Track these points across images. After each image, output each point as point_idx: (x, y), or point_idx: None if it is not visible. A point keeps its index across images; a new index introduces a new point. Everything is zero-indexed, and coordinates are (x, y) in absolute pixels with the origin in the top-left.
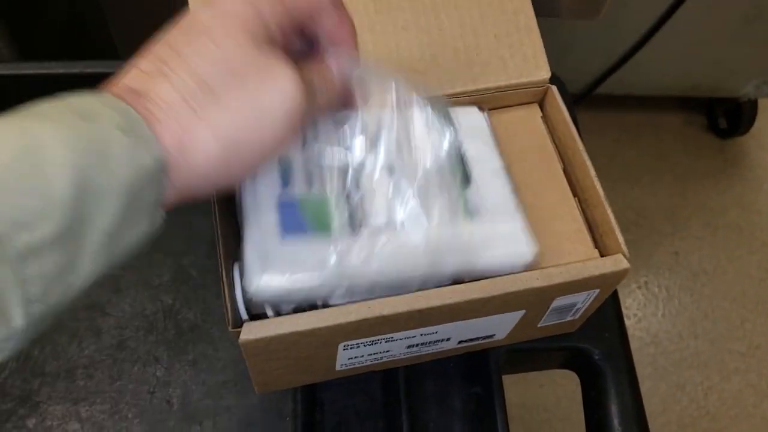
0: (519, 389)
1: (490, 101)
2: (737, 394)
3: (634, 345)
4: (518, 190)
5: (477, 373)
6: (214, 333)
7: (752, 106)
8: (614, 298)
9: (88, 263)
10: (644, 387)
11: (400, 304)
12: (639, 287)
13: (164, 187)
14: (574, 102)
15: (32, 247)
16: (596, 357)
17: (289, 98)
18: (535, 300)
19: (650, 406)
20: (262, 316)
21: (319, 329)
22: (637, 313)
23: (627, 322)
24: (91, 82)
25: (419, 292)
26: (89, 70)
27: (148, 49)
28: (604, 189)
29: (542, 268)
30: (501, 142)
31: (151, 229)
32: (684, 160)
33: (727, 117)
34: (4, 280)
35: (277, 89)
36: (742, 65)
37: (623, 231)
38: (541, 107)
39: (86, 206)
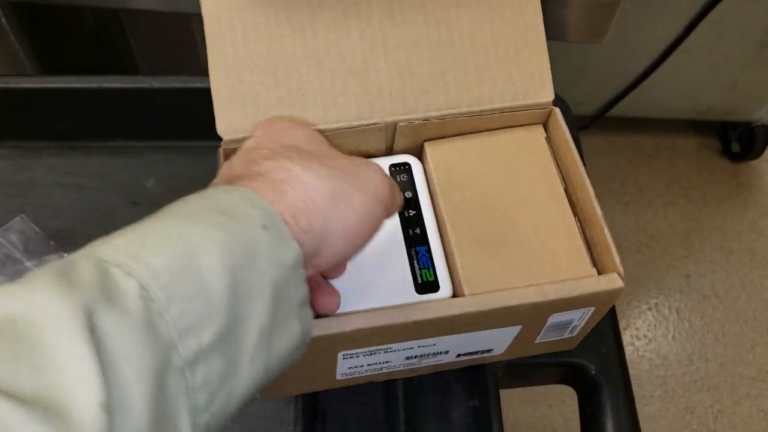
0: (528, 409)
1: (495, 121)
2: (747, 419)
3: (643, 366)
4: (521, 207)
5: (475, 386)
6: None
7: (765, 131)
8: (612, 314)
9: (248, 365)
10: (653, 409)
11: (396, 315)
12: (649, 308)
13: (304, 283)
14: (588, 124)
15: (199, 352)
16: (593, 372)
17: (381, 184)
18: (531, 315)
19: (659, 428)
20: None
21: (318, 337)
22: (647, 335)
23: (637, 343)
24: (117, 96)
25: (417, 305)
26: (110, 85)
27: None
28: (617, 211)
29: (538, 284)
30: (505, 161)
31: (302, 330)
32: (698, 184)
33: (740, 141)
34: (176, 390)
35: (371, 172)
36: (755, 90)
37: (635, 252)
38: (545, 128)
39: (240, 306)
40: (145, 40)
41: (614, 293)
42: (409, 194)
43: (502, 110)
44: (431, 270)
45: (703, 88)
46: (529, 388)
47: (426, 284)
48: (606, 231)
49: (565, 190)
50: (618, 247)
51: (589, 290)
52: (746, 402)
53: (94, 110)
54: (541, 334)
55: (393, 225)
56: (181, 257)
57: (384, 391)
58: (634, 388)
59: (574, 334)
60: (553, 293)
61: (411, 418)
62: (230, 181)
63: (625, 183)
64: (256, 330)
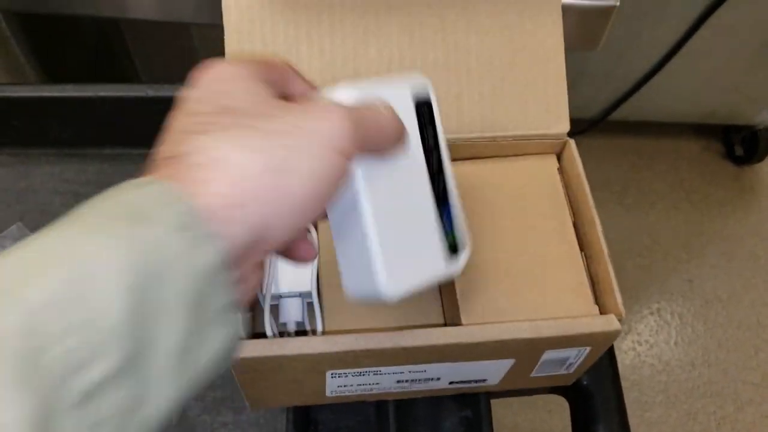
0: (528, 415)
1: (508, 148)
2: (750, 426)
3: (645, 372)
4: (528, 237)
5: (467, 396)
6: None
7: None
8: None
9: (162, 389)
10: (655, 415)
11: (386, 340)
12: (651, 313)
13: (232, 286)
14: (589, 127)
15: (94, 387)
16: (584, 382)
17: (337, 129)
18: (525, 350)
19: None
20: (262, 336)
21: (305, 355)
22: (649, 340)
23: (638, 349)
24: (114, 105)
25: (407, 331)
26: (107, 94)
27: (174, 123)
28: (619, 214)
29: (534, 320)
30: (515, 188)
31: (230, 336)
32: (700, 187)
33: (743, 145)
34: (75, 429)
35: (321, 121)
36: (758, 93)
37: (637, 256)
38: (558, 159)
39: (145, 329)
40: (145, 49)
41: (611, 335)
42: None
43: (515, 137)
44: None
45: (705, 92)
46: None
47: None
48: (610, 270)
49: (574, 223)
50: (620, 250)
51: (585, 330)
52: (749, 408)
53: (92, 118)
54: (536, 368)
55: (418, 174)
56: (69, 283)
57: (377, 401)
58: (636, 394)
59: (571, 371)
60: (547, 330)
61: (403, 427)
62: (156, 166)
63: (627, 186)
64: (169, 350)
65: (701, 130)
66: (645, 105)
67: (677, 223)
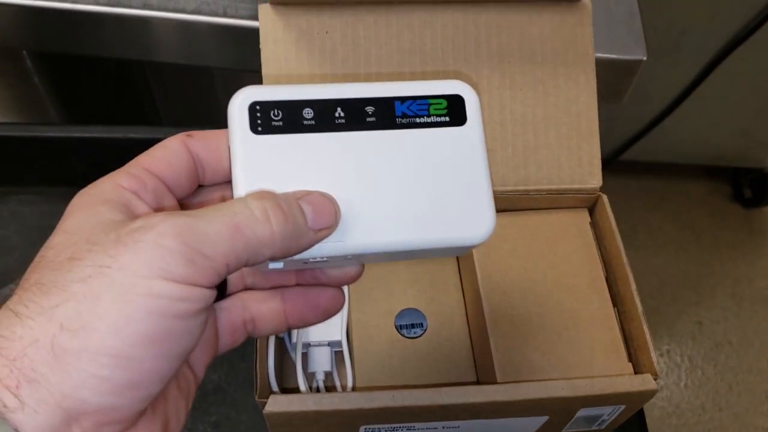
0: None
1: (540, 202)
2: None
3: (655, 414)
4: (561, 293)
5: None
6: (237, 396)
7: None
8: None
9: None
10: None
11: (423, 397)
12: (661, 355)
13: None
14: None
15: None
16: None
17: (155, 258)
18: (559, 408)
19: None
20: (293, 390)
21: (342, 411)
22: (659, 382)
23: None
24: (141, 146)
25: (444, 388)
26: (135, 136)
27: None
28: (628, 255)
29: (569, 378)
30: (547, 242)
31: None
32: (709, 229)
33: (751, 187)
34: None
35: (132, 242)
36: (767, 137)
37: (646, 297)
38: (590, 213)
39: None
40: (167, 91)
41: (647, 394)
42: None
43: (548, 191)
44: None
45: (715, 135)
46: None
47: None
48: (645, 328)
49: (606, 279)
50: None
51: (621, 389)
52: None
53: (118, 159)
54: (569, 425)
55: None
56: None
57: None
58: None
59: (602, 427)
60: (583, 389)
61: None
62: None
63: (636, 227)
64: None
65: (710, 171)
66: (655, 146)
67: (686, 264)
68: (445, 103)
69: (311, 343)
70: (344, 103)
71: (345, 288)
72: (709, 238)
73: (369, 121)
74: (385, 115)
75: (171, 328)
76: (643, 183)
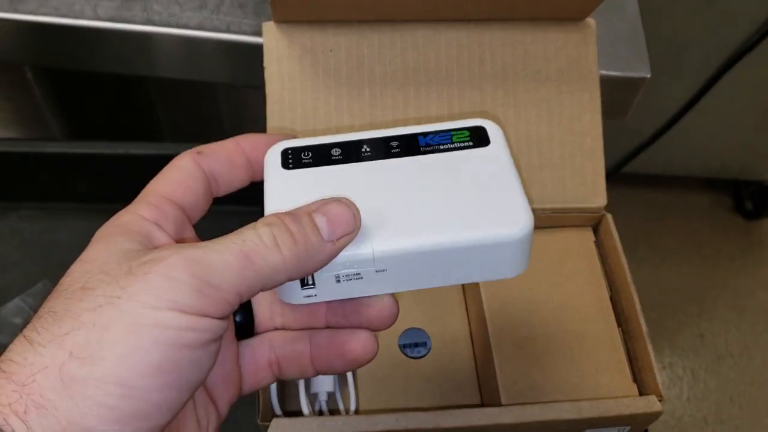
0: None
1: (544, 220)
2: None
3: (657, 428)
4: (565, 313)
5: None
6: (239, 418)
7: None
8: None
9: None
10: None
11: (426, 420)
12: (663, 368)
13: None
14: None
15: None
16: None
17: (164, 290)
18: (565, 430)
19: None
20: (295, 413)
21: None
22: (664, 405)
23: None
24: (144, 162)
25: (447, 411)
26: (138, 152)
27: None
28: (630, 267)
29: (574, 400)
30: (551, 261)
31: None
32: (711, 241)
33: (752, 199)
34: None
35: (143, 274)
36: None
37: (648, 310)
38: (595, 231)
39: None
40: (170, 106)
41: (652, 416)
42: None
43: (552, 210)
44: None
45: (716, 147)
46: None
47: None
48: (650, 349)
49: (611, 298)
50: None
51: (626, 411)
52: None
53: (120, 175)
54: None
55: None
56: None
57: None
58: None
59: None
60: (588, 411)
61: None
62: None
63: (638, 239)
64: None
65: (711, 184)
66: (657, 159)
67: (688, 277)
68: (467, 132)
69: None
70: (369, 141)
71: None
72: (710, 250)
73: (394, 152)
74: (409, 146)
75: (179, 358)
76: (645, 195)
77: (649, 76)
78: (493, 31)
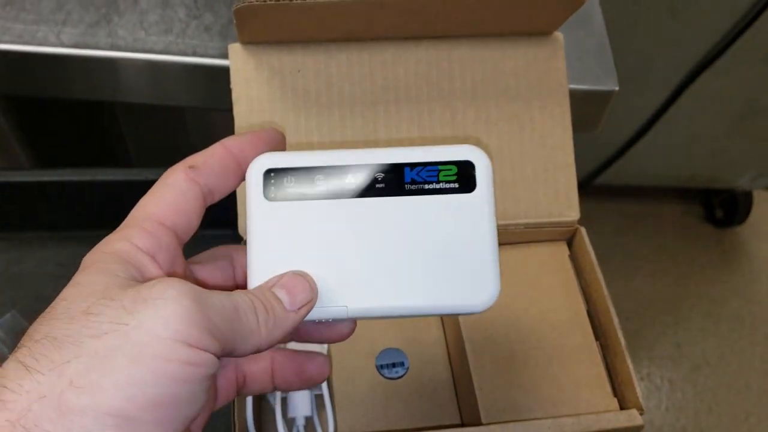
0: None
1: (518, 236)
2: None
3: None
4: (542, 328)
5: None
6: None
7: (747, 197)
8: None
9: None
10: None
11: None
12: (642, 379)
13: None
14: None
15: None
16: None
17: (173, 319)
18: None
19: None
20: None
21: None
22: (644, 417)
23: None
24: (112, 189)
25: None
26: (101, 178)
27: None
28: (605, 278)
29: (556, 416)
30: (527, 277)
31: None
32: (683, 250)
33: (723, 207)
34: None
35: (151, 301)
36: (736, 158)
37: (624, 321)
38: (569, 245)
39: None
40: (138, 131)
41: (634, 430)
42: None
43: (526, 225)
44: None
45: (686, 157)
46: None
47: None
48: (629, 361)
49: (588, 311)
50: None
51: (607, 426)
52: None
53: (88, 202)
54: None
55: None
56: None
57: None
58: None
59: None
60: (570, 427)
61: None
62: None
63: (611, 251)
64: None
65: (682, 193)
66: (627, 170)
67: (662, 286)
68: (455, 169)
69: None
70: (355, 169)
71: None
72: (683, 259)
73: (378, 188)
74: (394, 182)
75: (178, 393)
76: (617, 206)
77: (617, 89)
78: (462, 47)
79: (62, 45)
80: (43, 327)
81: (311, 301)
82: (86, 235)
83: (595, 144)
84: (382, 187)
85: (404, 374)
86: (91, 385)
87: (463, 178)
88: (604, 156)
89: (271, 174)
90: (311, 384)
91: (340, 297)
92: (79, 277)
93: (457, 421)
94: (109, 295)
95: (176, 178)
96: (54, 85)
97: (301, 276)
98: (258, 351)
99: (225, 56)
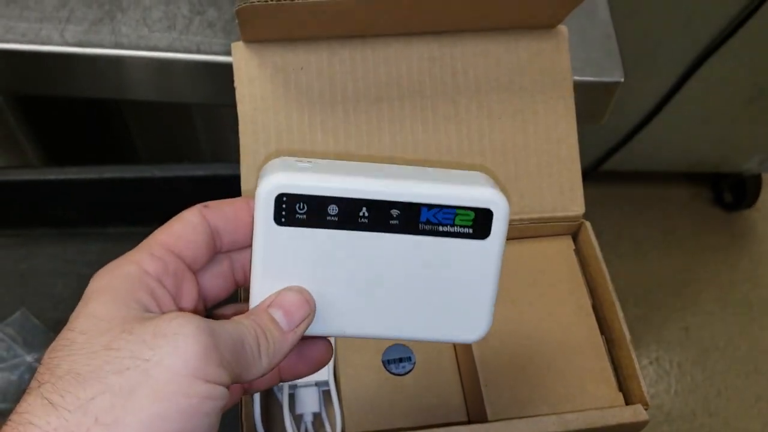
0: None
1: (522, 231)
2: None
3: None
4: (547, 323)
5: None
6: None
7: (756, 181)
8: None
9: None
10: None
11: None
12: (650, 363)
13: None
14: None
15: None
16: None
17: (191, 356)
18: None
19: None
20: None
21: None
22: (650, 390)
23: None
24: (117, 185)
25: (434, 430)
26: (111, 175)
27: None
28: (613, 264)
29: (560, 412)
30: (532, 272)
31: None
32: (692, 234)
33: (732, 191)
34: None
35: (168, 338)
36: (745, 142)
37: (633, 306)
38: (574, 239)
39: None
40: (145, 128)
41: (639, 425)
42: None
43: (531, 220)
44: None
45: (694, 141)
46: None
47: None
48: (634, 357)
49: (593, 306)
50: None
51: (612, 422)
52: None
53: (95, 199)
54: None
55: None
56: None
57: None
58: None
59: None
60: (574, 423)
61: None
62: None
63: (620, 235)
64: None
65: (690, 177)
66: (635, 155)
67: (671, 271)
68: (472, 215)
69: (298, 384)
70: (370, 204)
71: None
72: (692, 243)
73: (392, 224)
74: (409, 219)
75: (197, 425)
76: (625, 192)
77: (622, 80)
78: (464, 42)
79: (66, 43)
80: (64, 363)
81: (309, 317)
82: (93, 232)
83: (603, 130)
84: (395, 224)
85: (411, 369)
86: (117, 422)
87: (479, 225)
88: (612, 141)
89: (283, 199)
90: (319, 367)
91: (338, 320)
92: (89, 307)
93: (464, 416)
94: (129, 329)
95: (189, 212)
96: (59, 83)
97: (297, 292)
98: (261, 377)
99: (229, 52)
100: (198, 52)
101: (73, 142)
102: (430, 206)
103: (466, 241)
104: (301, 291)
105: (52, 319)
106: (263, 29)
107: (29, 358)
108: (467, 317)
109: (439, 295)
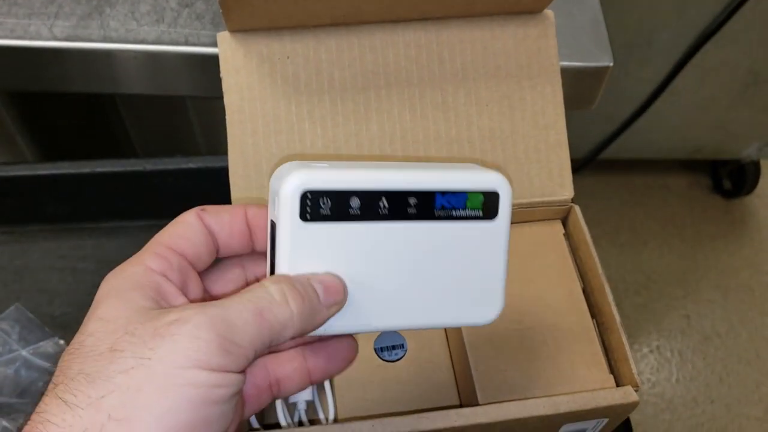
0: None
1: (513, 216)
2: None
3: (648, 411)
4: (538, 307)
5: None
6: None
7: (755, 167)
8: None
9: None
10: None
11: (402, 425)
12: (651, 351)
13: None
14: (579, 167)
15: None
16: None
17: (192, 351)
18: (542, 426)
19: None
20: (273, 425)
21: None
22: (651, 378)
23: (641, 388)
24: (111, 180)
25: (423, 414)
26: (104, 170)
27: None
28: (613, 253)
29: (550, 395)
30: (522, 256)
31: None
32: (691, 222)
33: (731, 178)
34: None
35: (169, 334)
36: (743, 128)
37: (633, 295)
38: (564, 224)
39: None
40: (140, 122)
41: (629, 407)
42: None
43: (520, 206)
44: None
45: (691, 129)
46: None
47: None
48: (624, 339)
49: (583, 290)
50: (615, 289)
51: (602, 404)
52: None
53: (88, 194)
54: None
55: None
56: None
57: None
58: None
59: None
60: (565, 406)
61: None
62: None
63: (619, 224)
64: None
65: (689, 165)
66: (633, 143)
67: (671, 259)
68: (482, 198)
69: None
70: (390, 194)
71: None
72: (691, 231)
73: (410, 212)
74: (425, 207)
75: (209, 414)
76: (624, 180)
77: (611, 64)
78: (450, 29)
79: (54, 38)
80: (75, 364)
81: (340, 303)
82: (87, 227)
83: (600, 118)
84: (413, 213)
85: (403, 356)
86: (129, 417)
87: (488, 207)
88: (609, 130)
89: (308, 196)
90: (348, 363)
91: (364, 314)
92: (99, 311)
93: (456, 401)
94: (131, 330)
95: (187, 215)
96: (50, 78)
97: (335, 277)
98: (294, 337)
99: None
100: (186, 44)
101: (70, 138)
102: (443, 192)
103: (477, 224)
104: (339, 278)
105: (47, 314)
106: (248, 18)
107: (25, 353)
108: (482, 299)
109: (455, 280)
